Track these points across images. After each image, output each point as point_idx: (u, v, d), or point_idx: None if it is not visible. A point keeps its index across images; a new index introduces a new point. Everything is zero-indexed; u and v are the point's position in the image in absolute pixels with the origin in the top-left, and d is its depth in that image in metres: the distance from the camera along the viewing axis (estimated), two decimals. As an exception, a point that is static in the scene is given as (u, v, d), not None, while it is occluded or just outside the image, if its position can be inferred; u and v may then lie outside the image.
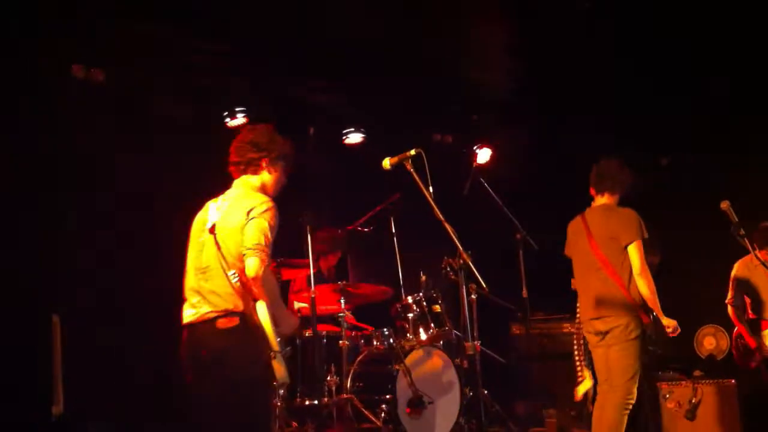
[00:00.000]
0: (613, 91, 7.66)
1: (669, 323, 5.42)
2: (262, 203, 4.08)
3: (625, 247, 5.41)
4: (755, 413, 6.92)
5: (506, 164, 8.27)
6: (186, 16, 6.14)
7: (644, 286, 5.36)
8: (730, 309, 7.04)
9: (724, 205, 5.32)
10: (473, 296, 6.49)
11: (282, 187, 4.41)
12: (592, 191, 5.74)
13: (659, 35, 6.96)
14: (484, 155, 8.07)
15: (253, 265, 3.90)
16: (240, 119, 7.03)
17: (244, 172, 4.30)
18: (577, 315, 5.84)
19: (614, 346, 5.42)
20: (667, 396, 6.94)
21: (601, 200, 5.69)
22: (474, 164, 7.76)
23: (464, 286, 4.52)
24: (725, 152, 8.08)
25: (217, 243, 4.04)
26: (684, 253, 8.06)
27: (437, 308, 6.57)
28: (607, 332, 5.46)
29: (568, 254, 5.85)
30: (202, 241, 4.15)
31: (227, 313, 3.99)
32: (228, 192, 4.31)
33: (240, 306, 3.98)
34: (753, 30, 6.76)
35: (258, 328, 3.95)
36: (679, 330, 5.48)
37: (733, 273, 7.06)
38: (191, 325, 4.08)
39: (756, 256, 6.21)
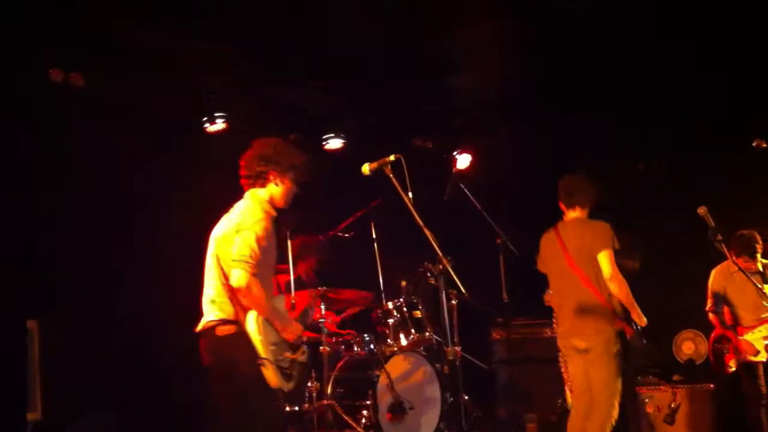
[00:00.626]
0: (598, 93, 7.69)
1: (641, 321, 5.45)
2: (253, 216, 4.27)
3: (596, 256, 5.43)
4: (733, 417, 6.97)
5: (487, 168, 8.30)
6: (166, 19, 6.11)
7: (616, 288, 5.39)
8: (711, 316, 7.08)
9: (702, 210, 5.37)
10: (453, 301, 6.49)
11: (293, 197, 4.54)
12: (562, 206, 5.76)
13: (657, 35, 6.97)
14: (464, 161, 8.08)
15: (237, 277, 4.09)
16: (219, 124, 6.99)
17: (253, 185, 4.46)
18: (554, 326, 5.85)
19: (594, 364, 5.42)
20: (647, 400, 6.98)
21: (573, 214, 5.71)
22: (454, 169, 7.78)
23: (444, 291, 4.54)
24: (708, 153, 8.15)
25: (215, 254, 4.29)
26: (663, 258, 8.12)
27: (418, 314, 6.58)
28: (588, 349, 5.45)
29: (541, 269, 5.84)
30: (210, 253, 4.37)
31: (224, 321, 4.20)
32: (236, 204, 4.47)
33: (236, 314, 4.18)
34: (753, 30, 6.78)
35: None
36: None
37: (710, 281, 7.10)
38: (200, 333, 4.29)
39: (733, 261, 6.26)
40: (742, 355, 6.80)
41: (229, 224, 4.30)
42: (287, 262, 6.07)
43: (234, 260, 4.12)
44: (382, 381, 6.13)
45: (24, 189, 6.03)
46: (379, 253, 7.02)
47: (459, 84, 7.43)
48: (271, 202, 4.46)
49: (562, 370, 5.90)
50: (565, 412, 6.03)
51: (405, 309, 6.55)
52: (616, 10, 6.70)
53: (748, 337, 6.77)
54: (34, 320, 5.85)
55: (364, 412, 6.08)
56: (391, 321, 6.54)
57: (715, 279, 7.08)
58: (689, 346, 7.66)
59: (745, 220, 7.08)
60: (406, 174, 4.30)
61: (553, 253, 5.69)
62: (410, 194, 4.29)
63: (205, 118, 7.02)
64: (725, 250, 5.60)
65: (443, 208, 6.97)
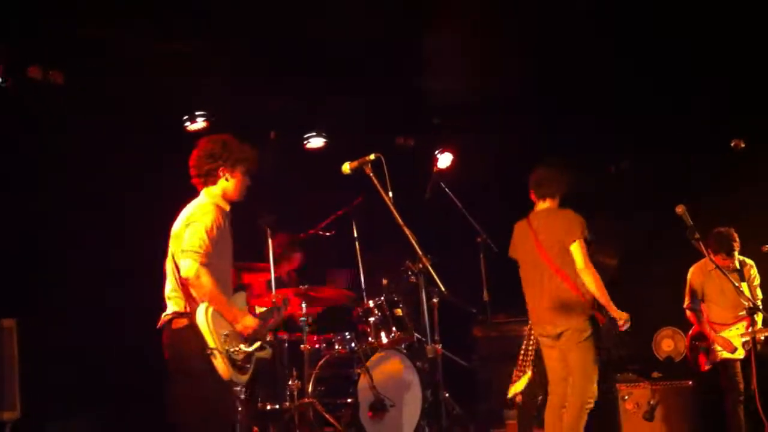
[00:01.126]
0: (580, 93, 7.73)
1: (620, 316, 5.50)
2: (202, 209, 4.36)
3: (569, 247, 5.52)
4: (711, 414, 7.02)
5: (468, 167, 8.33)
6: (146, 18, 6.09)
7: (590, 281, 5.46)
8: (688, 313, 7.13)
9: (680, 209, 5.40)
10: (434, 299, 6.51)
11: (246, 189, 4.57)
12: (533, 197, 5.85)
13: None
14: (445, 159, 8.10)
15: (185, 267, 4.19)
16: (200, 123, 6.98)
17: (205, 184, 4.51)
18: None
19: (571, 350, 5.52)
20: (626, 397, 7.02)
21: (543, 205, 5.81)
22: (435, 168, 7.80)
23: (424, 290, 4.57)
24: (686, 152, 8.21)
25: (170, 251, 4.38)
26: (643, 255, 8.17)
27: (399, 312, 6.59)
28: (559, 335, 5.55)
29: (512, 256, 5.95)
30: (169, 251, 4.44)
31: (178, 315, 4.29)
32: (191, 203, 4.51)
33: (187, 307, 4.27)
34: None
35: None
36: (630, 323, 5.54)
37: (688, 278, 7.15)
38: (160, 328, 4.37)
39: (711, 259, 6.31)
40: (716, 353, 6.87)
41: (181, 220, 4.39)
42: (267, 261, 6.06)
43: (183, 251, 4.21)
44: (363, 379, 6.14)
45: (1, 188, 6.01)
46: (360, 251, 7.03)
47: (440, 83, 7.46)
48: (225, 197, 4.52)
49: (519, 357, 5.96)
50: (543, 406, 6.09)
51: (386, 307, 6.56)
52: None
53: (726, 334, 6.83)
54: (11, 319, 5.82)
55: (345, 410, 6.08)
56: (372, 319, 6.54)
57: (693, 276, 7.13)
58: (668, 343, 7.70)
59: (723, 218, 7.12)
60: (386, 173, 4.32)
61: (525, 243, 5.79)
62: (390, 193, 4.31)
63: (185, 117, 7.00)
64: (703, 248, 5.64)
65: (424, 206, 7.01)
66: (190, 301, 4.26)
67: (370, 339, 6.50)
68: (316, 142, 7.89)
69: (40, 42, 6.14)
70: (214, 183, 4.49)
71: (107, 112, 6.53)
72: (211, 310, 4.20)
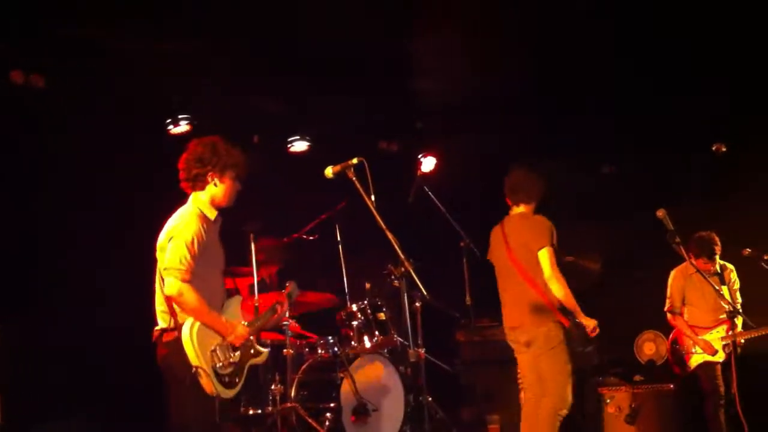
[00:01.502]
0: (564, 96, 7.76)
1: (588, 323, 5.53)
2: (183, 221, 4.33)
3: (536, 253, 5.54)
4: (692, 417, 7.07)
5: (452, 172, 8.34)
6: (127, 20, 6.07)
7: (557, 289, 5.49)
8: (669, 317, 7.17)
9: (661, 213, 5.44)
10: (417, 304, 6.52)
11: (236, 194, 4.56)
12: (508, 202, 5.90)
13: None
14: (429, 164, 8.11)
15: (168, 285, 4.20)
16: (183, 126, 6.95)
17: (193, 188, 4.48)
18: None
19: (541, 356, 5.54)
20: (608, 401, 7.05)
21: (518, 210, 5.85)
22: (419, 172, 7.81)
23: (406, 294, 4.57)
24: (669, 155, 8.27)
25: (158, 265, 4.37)
26: (625, 259, 8.21)
27: (382, 316, 6.59)
28: (530, 342, 5.58)
29: (489, 258, 6.01)
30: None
31: (167, 329, 4.28)
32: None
33: (174, 323, 4.28)
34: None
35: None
36: (598, 330, 5.57)
37: (669, 281, 7.20)
38: (154, 341, 4.39)
39: (692, 263, 6.35)
40: (697, 356, 6.90)
41: (164, 233, 4.37)
42: (251, 265, 6.04)
43: (165, 268, 4.21)
44: (346, 383, 6.14)
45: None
46: (343, 255, 7.03)
47: (424, 87, 7.47)
48: (213, 203, 4.49)
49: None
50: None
51: (369, 311, 6.56)
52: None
53: (707, 337, 6.88)
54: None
55: (328, 415, 6.07)
56: (355, 323, 6.54)
57: (673, 280, 7.17)
58: (650, 347, 7.74)
59: (703, 222, 7.16)
60: (369, 177, 4.32)
61: (498, 248, 5.86)
62: (373, 197, 4.32)
63: (168, 120, 6.98)
64: (683, 252, 5.68)
65: (408, 211, 7.01)
66: (176, 315, 4.26)
67: (353, 343, 6.50)
68: (299, 146, 7.88)
69: (23, 44, 6.11)
70: (202, 188, 4.46)
71: (91, 114, 6.49)
72: (197, 325, 4.20)
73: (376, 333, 6.50)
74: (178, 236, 4.25)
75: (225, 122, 7.07)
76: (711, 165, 6.94)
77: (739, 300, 6.90)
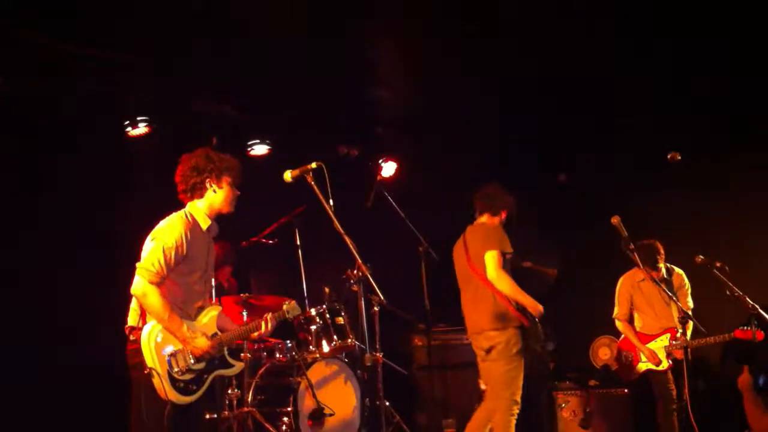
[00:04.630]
0: (525, 101, 7.84)
1: (536, 307, 5.59)
2: (168, 225, 4.38)
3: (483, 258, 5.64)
4: (646, 422, 7.16)
5: (412, 176, 8.39)
6: (83, 25, 6.03)
7: (503, 286, 5.58)
8: (617, 323, 7.20)
9: (615, 220, 5.53)
10: (375, 308, 6.53)
11: (235, 199, 4.60)
12: (475, 210, 6.04)
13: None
14: (388, 168, 8.14)
15: (135, 283, 4.26)
16: (142, 128, 6.89)
17: (191, 197, 4.53)
18: None
19: (499, 361, 5.61)
20: (563, 405, 7.13)
21: (481, 219, 5.98)
22: (378, 177, 7.83)
23: (363, 298, 4.59)
24: (623, 163, 8.39)
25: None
26: (581, 265, 8.31)
27: (340, 320, 6.59)
28: (491, 348, 5.64)
29: (455, 266, 6.09)
30: None
31: (134, 328, 4.31)
32: None
33: (140, 322, 4.29)
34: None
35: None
36: (543, 312, 5.64)
37: (618, 288, 7.24)
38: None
39: (646, 270, 6.40)
40: (642, 363, 6.96)
41: (150, 235, 4.41)
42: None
43: (138, 266, 4.26)
44: (303, 388, 6.13)
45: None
46: (302, 259, 7.02)
47: (382, 93, 7.50)
48: (212, 210, 4.54)
49: None
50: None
51: (328, 315, 6.56)
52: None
53: (652, 346, 6.93)
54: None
55: (285, 419, 6.06)
56: (313, 327, 6.54)
57: (622, 287, 7.22)
58: (605, 351, 7.80)
59: (654, 229, 7.26)
60: (328, 181, 4.34)
61: (459, 256, 5.97)
62: (331, 201, 4.33)
63: (126, 122, 6.92)
64: (637, 258, 5.76)
65: (367, 215, 7.02)
66: (145, 316, 4.28)
67: (311, 347, 6.50)
68: (259, 149, 7.84)
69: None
70: (201, 196, 4.51)
71: (44, 115, 6.42)
72: (158, 328, 4.23)
73: (335, 337, 6.51)
74: (158, 239, 4.31)
75: (184, 124, 7.06)
76: (666, 173, 7.02)
77: (690, 305, 6.91)
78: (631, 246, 5.52)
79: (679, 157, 6.24)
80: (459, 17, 6.63)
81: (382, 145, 8.43)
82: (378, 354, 6.47)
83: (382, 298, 4.33)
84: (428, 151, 8.56)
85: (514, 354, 5.59)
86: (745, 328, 6.30)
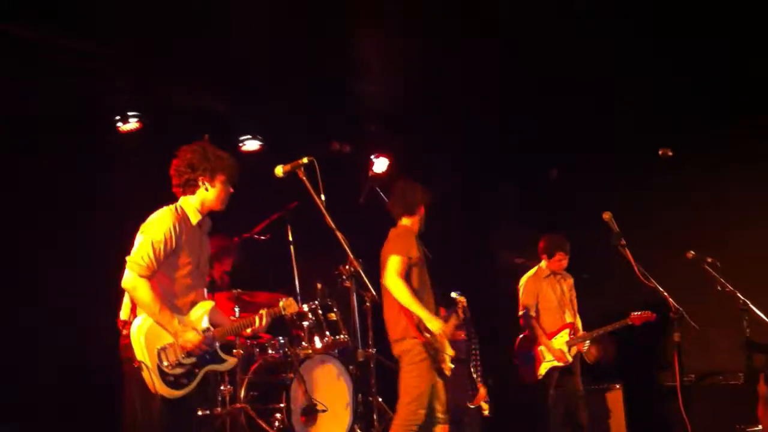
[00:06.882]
0: (515, 99, 7.86)
1: (434, 327, 5.31)
2: (157, 218, 4.37)
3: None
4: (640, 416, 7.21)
5: (404, 173, 8.38)
6: (73, 18, 6.00)
7: (398, 294, 5.29)
8: (522, 321, 7.21)
9: (607, 215, 5.51)
10: (367, 303, 6.53)
11: (228, 198, 4.57)
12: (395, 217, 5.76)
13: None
14: (381, 165, 8.13)
15: (125, 277, 4.26)
16: (133, 123, 6.88)
17: (184, 192, 4.52)
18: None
19: (403, 369, 5.42)
20: None
21: (403, 222, 5.70)
22: (370, 173, 7.83)
23: (355, 293, 4.58)
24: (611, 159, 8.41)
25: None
26: (572, 261, 8.31)
27: (333, 316, 6.58)
28: (399, 357, 5.48)
29: None
30: None
31: (126, 323, 4.28)
32: None
33: (132, 316, 4.27)
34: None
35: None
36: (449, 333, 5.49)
37: (522, 287, 7.27)
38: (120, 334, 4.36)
39: (637, 269, 6.39)
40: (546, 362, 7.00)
41: (140, 228, 4.40)
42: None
43: (127, 259, 4.26)
44: (296, 384, 6.13)
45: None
46: (295, 255, 7.01)
47: (375, 88, 7.50)
48: (204, 207, 4.52)
49: (472, 369, 6.02)
50: (475, 411, 6.16)
51: (320, 311, 6.55)
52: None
53: (556, 343, 6.99)
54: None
55: (278, 415, 6.07)
56: (306, 323, 6.52)
57: (527, 285, 7.26)
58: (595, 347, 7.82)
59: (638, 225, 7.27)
60: (319, 176, 4.33)
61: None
62: (323, 196, 4.33)
63: (117, 117, 6.91)
64: (628, 254, 5.75)
65: (360, 211, 7.02)
66: (136, 309, 4.28)
67: (303, 343, 6.49)
68: (251, 145, 7.83)
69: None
70: (193, 192, 4.50)
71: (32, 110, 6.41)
72: (149, 322, 4.22)
73: (327, 333, 6.50)
74: (147, 232, 4.30)
75: (176, 120, 7.05)
76: (657, 169, 7.04)
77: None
78: (623, 242, 5.51)
79: (671, 153, 6.26)
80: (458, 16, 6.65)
81: (374, 141, 8.42)
82: (370, 350, 6.48)
83: (374, 293, 4.32)
84: (420, 148, 8.55)
85: (418, 362, 5.32)
86: (640, 313, 6.87)
